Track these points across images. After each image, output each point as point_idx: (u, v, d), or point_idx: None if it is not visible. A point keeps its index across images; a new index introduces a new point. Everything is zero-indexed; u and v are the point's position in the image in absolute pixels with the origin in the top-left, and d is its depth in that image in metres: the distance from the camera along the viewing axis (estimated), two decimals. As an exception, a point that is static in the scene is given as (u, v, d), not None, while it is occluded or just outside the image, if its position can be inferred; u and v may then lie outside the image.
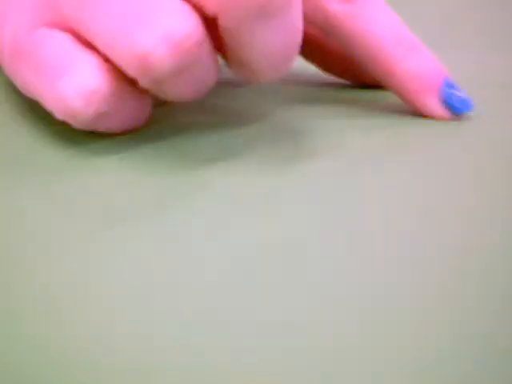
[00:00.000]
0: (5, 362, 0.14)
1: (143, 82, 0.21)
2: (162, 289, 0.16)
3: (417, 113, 0.27)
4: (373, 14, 0.26)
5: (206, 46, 0.21)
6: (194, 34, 0.20)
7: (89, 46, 0.22)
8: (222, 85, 0.31)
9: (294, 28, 0.22)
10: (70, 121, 0.22)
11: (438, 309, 0.16)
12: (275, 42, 0.21)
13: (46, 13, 0.23)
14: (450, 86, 0.26)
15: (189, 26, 0.20)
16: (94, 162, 0.23)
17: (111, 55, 0.21)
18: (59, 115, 0.22)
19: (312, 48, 0.30)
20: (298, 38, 0.22)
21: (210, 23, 0.22)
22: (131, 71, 0.21)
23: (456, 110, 0.26)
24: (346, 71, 0.30)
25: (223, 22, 0.21)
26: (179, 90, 0.22)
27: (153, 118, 0.26)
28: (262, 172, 0.22)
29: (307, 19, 0.26)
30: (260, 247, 0.18)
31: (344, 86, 0.30)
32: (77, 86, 0.21)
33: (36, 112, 0.26)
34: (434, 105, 0.26)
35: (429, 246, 0.18)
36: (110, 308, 0.16)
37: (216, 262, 0.17)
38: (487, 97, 0.29)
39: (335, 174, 0.22)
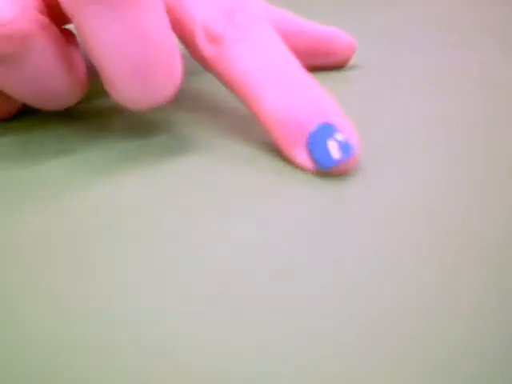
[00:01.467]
0: (5, 363, 0.14)
1: None
2: (159, 289, 0.16)
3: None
4: (238, 53, 0.24)
5: (43, 45, 0.21)
6: (12, 25, 0.20)
7: None
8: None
9: (145, 35, 0.20)
10: None
11: (437, 309, 0.16)
12: (122, 45, 0.20)
13: None
14: (321, 135, 0.22)
15: (9, 15, 0.20)
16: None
17: None
18: None
19: None
20: (155, 51, 0.21)
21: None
22: None
23: (318, 164, 0.22)
24: None
25: (62, 4, 0.20)
26: (5, 84, 0.22)
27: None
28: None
29: (195, 56, 0.26)
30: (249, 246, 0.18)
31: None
32: None
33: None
34: (298, 154, 0.22)
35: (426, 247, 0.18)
36: (108, 308, 0.16)
37: (209, 263, 0.17)
38: (488, 97, 0.29)
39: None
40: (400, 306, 0.16)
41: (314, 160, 0.22)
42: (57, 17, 0.24)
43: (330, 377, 0.14)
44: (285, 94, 0.23)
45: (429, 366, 0.14)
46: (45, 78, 0.22)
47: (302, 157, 0.22)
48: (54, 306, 0.16)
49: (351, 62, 0.34)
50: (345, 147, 0.21)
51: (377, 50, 0.36)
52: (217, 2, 0.25)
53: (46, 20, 0.21)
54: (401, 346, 0.15)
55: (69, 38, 0.24)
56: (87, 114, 0.27)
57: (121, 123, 0.26)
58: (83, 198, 0.20)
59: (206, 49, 0.24)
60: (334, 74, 0.32)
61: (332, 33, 0.32)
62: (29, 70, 0.22)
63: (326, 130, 0.22)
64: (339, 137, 0.22)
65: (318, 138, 0.22)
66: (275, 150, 0.24)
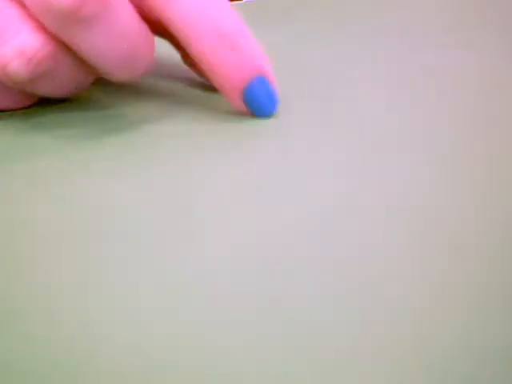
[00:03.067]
0: (5, 363, 0.14)
1: (8, 83, 0.24)
2: (160, 288, 0.16)
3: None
4: (179, 1, 0.25)
5: (62, 56, 0.24)
6: (44, 49, 0.23)
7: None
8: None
9: (121, 31, 0.24)
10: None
11: (438, 309, 0.16)
12: (107, 46, 0.24)
13: None
14: (255, 86, 0.25)
15: (39, 42, 0.23)
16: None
17: None
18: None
19: (173, 43, 0.29)
20: (132, 40, 0.24)
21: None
22: None
23: (254, 111, 0.26)
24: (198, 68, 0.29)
25: (47, 26, 0.23)
26: (45, 90, 0.25)
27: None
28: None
29: (143, 17, 0.26)
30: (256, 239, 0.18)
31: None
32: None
33: None
34: (237, 102, 0.26)
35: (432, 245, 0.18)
36: (109, 308, 0.16)
37: (213, 262, 0.17)
38: (487, 97, 0.29)
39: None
40: (396, 305, 0.16)
41: (252, 109, 0.26)
42: None
43: (330, 377, 0.14)
44: (218, 42, 0.25)
45: (428, 366, 0.14)
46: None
47: (239, 103, 0.26)
48: (53, 305, 0.16)
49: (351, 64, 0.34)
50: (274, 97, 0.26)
51: (376, 50, 0.36)
52: None
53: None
54: (400, 346, 0.15)
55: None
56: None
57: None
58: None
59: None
60: (335, 82, 0.32)
61: None
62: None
63: (261, 83, 0.25)
64: (271, 88, 0.26)
65: (254, 91, 0.25)
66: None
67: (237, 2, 0.42)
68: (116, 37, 0.24)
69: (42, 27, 0.24)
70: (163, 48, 0.29)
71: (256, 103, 0.26)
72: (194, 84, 0.30)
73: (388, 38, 0.37)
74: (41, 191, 0.21)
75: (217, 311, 0.16)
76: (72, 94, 0.27)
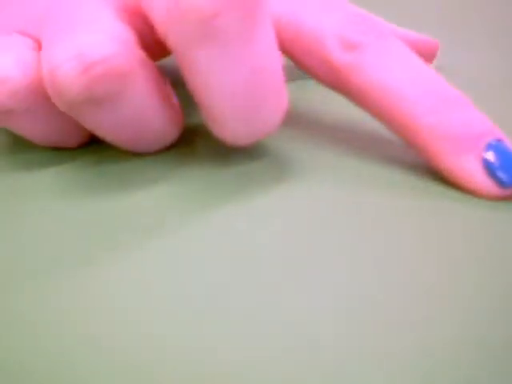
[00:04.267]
0: (5, 363, 0.14)
1: (56, 102, 0.19)
2: (162, 291, 0.16)
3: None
4: (384, 59, 0.21)
5: (142, 83, 0.20)
6: (112, 62, 0.18)
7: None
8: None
9: (259, 67, 0.19)
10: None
11: (438, 309, 0.16)
12: (236, 85, 0.19)
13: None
14: (498, 148, 0.20)
15: (109, 51, 0.18)
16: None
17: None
18: None
19: None
20: (267, 86, 0.19)
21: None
22: (46, 86, 0.19)
23: (501, 180, 0.20)
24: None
25: (168, 38, 0.19)
26: (102, 127, 0.20)
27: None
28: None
29: (312, 73, 0.23)
30: (258, 250, 0.18)
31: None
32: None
33: None
34: (473, 170, 0.20)
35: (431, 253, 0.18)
36: (110, 308, 0.16)
37: (215, 263, 0.17)
38: (487, 97, 0.29)
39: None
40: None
41: (496, 176, 0.20)
42: (151, 53, 0.22)
43: (330, 378, 0.14)
44: (441, 104, 0.20)
45: (428, 366, 0.14)
46: (143, 118, 0.21)
47: (476, 172, 0.20)
48: (56, 306, 0.16)
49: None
50: None
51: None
52: (346, 13, 0.22)
53: (144, 56, 0.20)
54: (400, 346, 0.15)
55: (162, 74, 0.22)
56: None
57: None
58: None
59: (340, 57, 0.21)
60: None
61: (419, 36, 0.31)
62: (127, 111, 0.20)
63: (500, 145, 0.20)
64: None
65: (500, 154, 0.20)
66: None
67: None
68: (253, 73, 0.19)
69: (130, 39, 0.19)
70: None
71: (505, 168, 0.20)
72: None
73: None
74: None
75: (217, 311, 0.16)
76: (139, 147, 0.22)
